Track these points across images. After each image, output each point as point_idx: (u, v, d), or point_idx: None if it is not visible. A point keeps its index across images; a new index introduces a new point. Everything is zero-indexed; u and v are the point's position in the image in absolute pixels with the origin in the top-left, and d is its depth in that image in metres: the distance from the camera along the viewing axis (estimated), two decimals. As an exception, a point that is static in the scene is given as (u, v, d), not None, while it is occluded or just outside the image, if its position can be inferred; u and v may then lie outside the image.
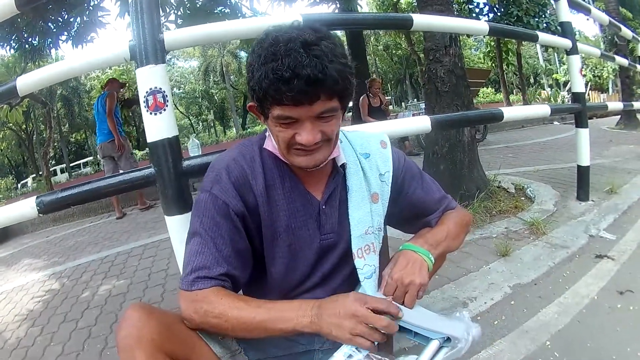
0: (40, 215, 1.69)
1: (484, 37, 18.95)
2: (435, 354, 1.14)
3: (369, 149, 1.43)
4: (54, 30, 10.33)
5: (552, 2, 4.06)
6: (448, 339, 1.17)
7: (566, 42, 3.82)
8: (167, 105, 1.62)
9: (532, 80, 43.37)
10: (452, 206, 1.54)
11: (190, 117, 46.19)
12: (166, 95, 1.62)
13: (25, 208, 1.69)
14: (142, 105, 1.62)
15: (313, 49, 1.07)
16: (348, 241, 1.36)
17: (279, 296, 1.37)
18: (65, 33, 10.43)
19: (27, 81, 1.80)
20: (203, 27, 1.82)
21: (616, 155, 6.13)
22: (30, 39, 10.67)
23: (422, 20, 2.38)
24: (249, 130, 41.00)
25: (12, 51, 11.36)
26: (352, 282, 1.40)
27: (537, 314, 2.24)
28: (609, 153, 6.43)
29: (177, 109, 36.02)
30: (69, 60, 1.80)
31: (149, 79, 1.61)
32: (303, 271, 1.37)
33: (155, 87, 1.60)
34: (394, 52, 39.75)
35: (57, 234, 7.39)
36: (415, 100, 22.56)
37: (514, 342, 2.02)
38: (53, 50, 11.60)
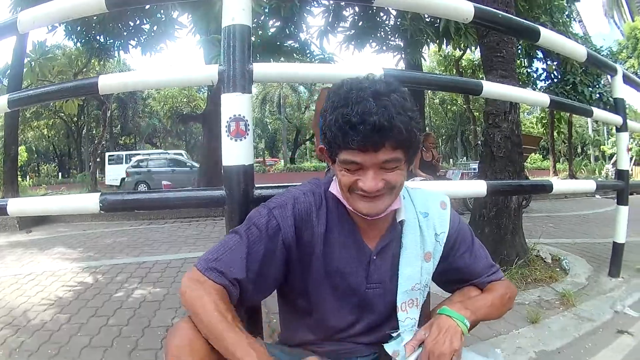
0: (102, 212, 1.75)
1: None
2: None
3: (429, 208, 1.46)
4: (125, 34, 10.72)
5: (609, 77, 4.08)
6: None
7: (617, 119, 3.85)
8: (248, 134, 1.70)
9: (579, 150, 42.78)
10: (499, 277, 1.54)
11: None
12: (248, 124, 1.71)
13: (88, 202, 1.75)
14: (224, 129, 1.70)
15: (382, 100, 1.14)
16: (395, 294, 1.41)
17: (324, 337, 1.43)
18: (135, 39, 10.86)
19: (110, 82, 1.85)
20: (290, 65, 1.96)
21: (653, 234, 6.06)
22: (98, 37, 11.11)
23: (491, 89, 2.49)
24: (296, 165, 41.21)
25: (79, 44, 11.79)
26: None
27: (558, 379, 2.29)
28: (646, 231, 6.36)
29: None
30: (156, 71, 1.90)
31: (234, 105, 1.70)
32: (348, 316, 1.41)
33: (239, 115, 1.68)
34: (449, 107, 39.53)
35: (94, 229, 7.53)
36: (464, 158, 22.50)
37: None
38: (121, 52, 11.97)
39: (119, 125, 32.94)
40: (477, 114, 25.26)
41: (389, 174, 1.21)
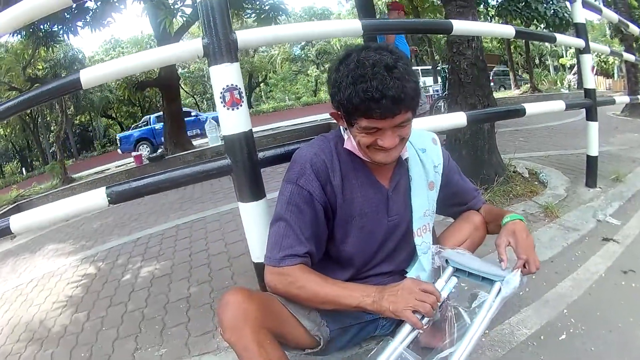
0: (110, 205, 1.76)
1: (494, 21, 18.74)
2: (497, 294, 1.40)
3: (425, 144, 1.69)
4: (68, 17, 10.46)
5: (568, 3, 4.20)
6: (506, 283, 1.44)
7: (580, 42, 4.00)
8: (243, 101, 1.77)
9: (537, 62, 43.00)
10: (484, 200, 1.87)
11: (195, 96, 45.46)
12: (242, 92, 1.78)
13: (95, 199, 1.73)
14: (219, 101, 1.76)
15: (394, 72, 1.29)
16: (409, 222, 1.63)
17: (353, 271, 1.63)
18: (81, 20, 10.57)
19: (91, 75, 1.80)
20: (272, 28, 1.97)
21: (622, 144, 6.27)
22: (41, 26, 10.84)
23: (460, 27, 2.57)
24: (254, 109, 40.71)
25: (22, 39, 11.47)
26: (410, 257, 1.70)
27: (555, 287, 2.49)
28: (615, 140, 6.55)
29: (182, 88, 35.88)
30: (140, 55, 1.85)
31: (225, 76, 1.75)
32: (373, 249, 1.62)
33: (232, 84, 1.75)
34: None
35: (76, 217, 7.17)
36: (424, 81, 22.97)
37: (538, 310, 2.26)
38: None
39: (72, 106, 31.87)
40: (430, 35, 25.13)
41: (402, 129, 1.39)
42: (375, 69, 1.29)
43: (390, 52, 1.35)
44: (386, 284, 1.53)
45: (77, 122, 37.69)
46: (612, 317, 2.14)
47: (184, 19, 10.88)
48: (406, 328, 1.32)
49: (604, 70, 27.20)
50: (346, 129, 1.48)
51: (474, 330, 1.32)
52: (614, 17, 5.40)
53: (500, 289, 1.42)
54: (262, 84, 47.15)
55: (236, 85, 1.76)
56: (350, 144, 1.51)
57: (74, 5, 9.88)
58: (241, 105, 1.78)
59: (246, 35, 1.86)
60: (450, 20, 2.56)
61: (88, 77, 1.79)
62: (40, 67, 21.43)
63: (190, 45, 1.83)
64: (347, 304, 1.37)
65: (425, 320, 1.29)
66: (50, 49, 12.72)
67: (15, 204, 10.72)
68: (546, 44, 39.32)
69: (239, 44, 1.81)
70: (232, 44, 1.77)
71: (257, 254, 1.88)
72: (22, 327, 3.27)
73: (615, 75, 26.57)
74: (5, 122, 32.03)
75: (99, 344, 2.73)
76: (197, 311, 2.84)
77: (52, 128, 29.65)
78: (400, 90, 1.28)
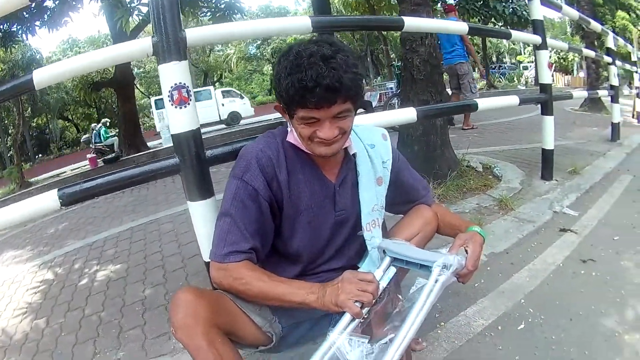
0: (63, 208, 1.75)
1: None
2: (437, 279, 1.38)
3: (374, 140, 1.68)
4: (27, 16, 10.29)
5: (527, 0, 4.29)
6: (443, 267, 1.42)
7: (536, 39, 4.08)
8: (191, 100, 1.76)
9: (494, 59, 43.75)
10: (433, 198, 1.89)
11: (151, 96, 44.66)
12: (190, 90, 1.75)
13: (46, 201, 1.71)
14: (167, 99, 1.74)
15: (331, 62, 1.29)
16: (358, 217, 1.62)
17: (302, 266, 1.62)
18: (39, 19, 10.47)
19: (45, 74, 1.79)
20: (223, 26, 1.97)
21: (580, 137, 6.40)
22: (0, 26, 10.76)
23: (412, 23, 2.59)
24: None
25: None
26: (361, 253, 1.68)
27: (511, 277, 2.53)
28: (572, 135, 6.69)
29: (138, 88, 35.11)
30: (90, 54, 1.84)
31: (173, 74, 1.73)
32: (321, 244, 1.61)
33: (180, 83, 1.72)
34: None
35: (34, 222, 7.15)
36: (379, 78, 23.33)
37: (494, 301, 2.30)
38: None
39: (29, 108, 30.98)
40: (385, 33, 25.54)
41: (341, 121, 1.38)
42: (312, 59, 1.29)
43: (330, 45, 1.35)
44: None
45: (34, 124, 36.71)
46: (572, 305, 2.18)
47: (140, 17, 10.77)
48: (346, 317, 1.31)
49: (562, 67, 27.93)
50: (289, 122, 1.48)
51: (414, 316, 1.31)
52: (575, 14, 5.54)
53: (439, 274, 1.43)
54: (217, 84, 46.82)
55: (184, 84, 1.75)
56: (292, 136, 1.50)
57: (33, 5, 9.77)
58: (189, 104, 1.76)
59: (195, 33, 1.85)
60: (402, 17, 2.58)
61: (41, 77, 1.78)
62: (-1, 69, 20.94)
63: (141, 44, 1.82)
64: (292, 300, 1.36)
65: (365, 310, 1.30)
66: (10, 49, 12.51)
67: (-28, 211, 10.40)
68: (504, 41, 40.36)
69: (188, 42, 1.80)
70: (181, 42, 1.76)
71: (208, 253, 1.85)
72: (-16, 336, 3.20)
73: (575, 71, 27.29)
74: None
75: (58, 349, 2.71)
76: (152, 313, 2.83)
77: (9, 131, 28.83)
78: (336, 80, 1.27)
